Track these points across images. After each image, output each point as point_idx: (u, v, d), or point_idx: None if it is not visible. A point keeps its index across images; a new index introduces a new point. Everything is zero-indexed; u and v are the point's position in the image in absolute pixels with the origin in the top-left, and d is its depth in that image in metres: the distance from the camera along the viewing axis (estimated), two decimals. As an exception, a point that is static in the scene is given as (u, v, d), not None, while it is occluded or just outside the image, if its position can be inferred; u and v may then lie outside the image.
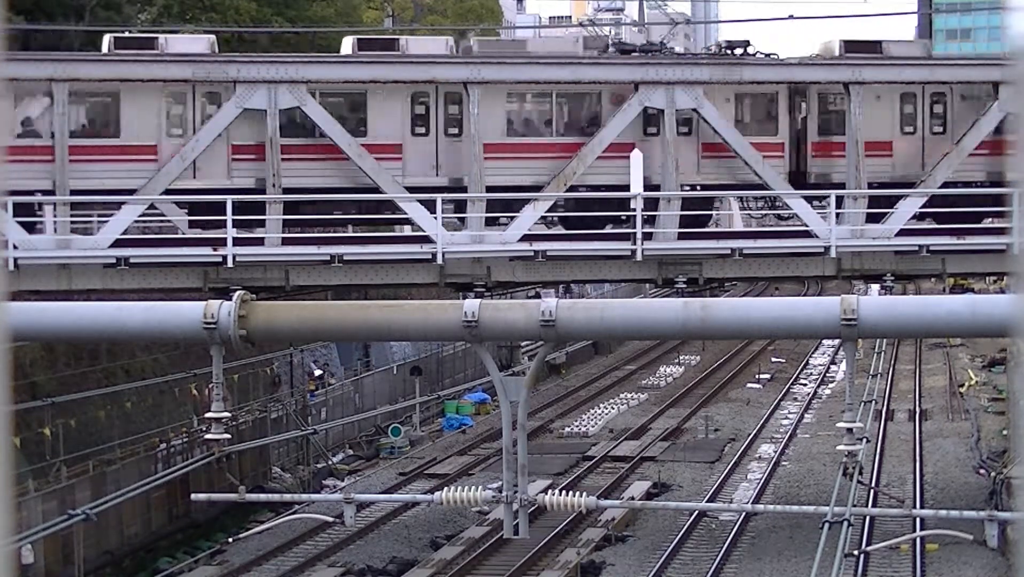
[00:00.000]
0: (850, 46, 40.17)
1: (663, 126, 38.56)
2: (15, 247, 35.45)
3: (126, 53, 37.55)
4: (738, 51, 40.17)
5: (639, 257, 38.19)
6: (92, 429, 41.66)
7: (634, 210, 38.23)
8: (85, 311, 28.64)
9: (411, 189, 37.78)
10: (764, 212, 41.06)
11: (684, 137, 38.94)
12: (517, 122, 39.66)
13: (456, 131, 38.62)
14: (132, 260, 36.66)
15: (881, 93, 39.80)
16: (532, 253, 38.19)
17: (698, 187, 39.57)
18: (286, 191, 37.33)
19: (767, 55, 40.97)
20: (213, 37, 39.28)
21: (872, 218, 38.78)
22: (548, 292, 58.17)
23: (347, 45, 39.02)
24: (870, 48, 40.11)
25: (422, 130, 38.53)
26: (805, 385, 71.24)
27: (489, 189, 37.86)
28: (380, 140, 38.24)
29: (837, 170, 39.65)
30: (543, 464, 49.34)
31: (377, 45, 39.41)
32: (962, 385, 67.44)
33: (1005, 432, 53.45)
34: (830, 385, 70.57)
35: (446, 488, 28.45)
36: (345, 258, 37.65)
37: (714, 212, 41.67)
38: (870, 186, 38.94)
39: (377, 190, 37.89)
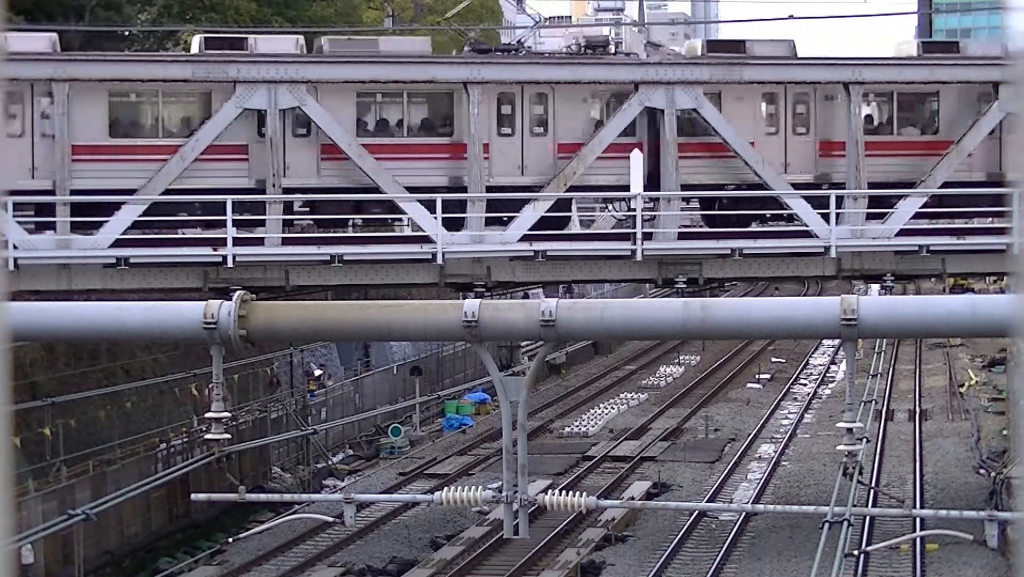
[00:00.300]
0: (712, 46, 40.14)
1: (662, 126, 38.56)
2: (15, 247, 35.46)
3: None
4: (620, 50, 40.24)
5: (639, 257, 38.19)
6: (92, 429, 41.66)
7: (633, 210, 38.27)
8: (85, 311, 28.64)
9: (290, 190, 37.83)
10: (627, 214, 40.32)
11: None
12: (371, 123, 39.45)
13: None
14: (132, 260, 36.67)
15: (744, 94, 39.51)
16: (532, 253, 38.20)
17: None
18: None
19: (627, 55, 41.09)
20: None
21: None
22: (536, 292, 58.03)
23: (195, 44, 38.57)
24: (733, 48, 40.05)
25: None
26: (805, 385, 71.24)
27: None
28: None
29: (698, 171, 38.93)
30: (543, 464, 49.34)
31: (224, 44, 38.89)
32: (962, 385, 67.45)
33: (1005, 432, 53.45)
34: (830, 385, 70.57)
35: (446, 488, 28.45)
36: (345, 258, 37.66)
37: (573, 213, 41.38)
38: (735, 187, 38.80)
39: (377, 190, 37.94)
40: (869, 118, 40.29)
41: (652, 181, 38.83)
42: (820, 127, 39.92)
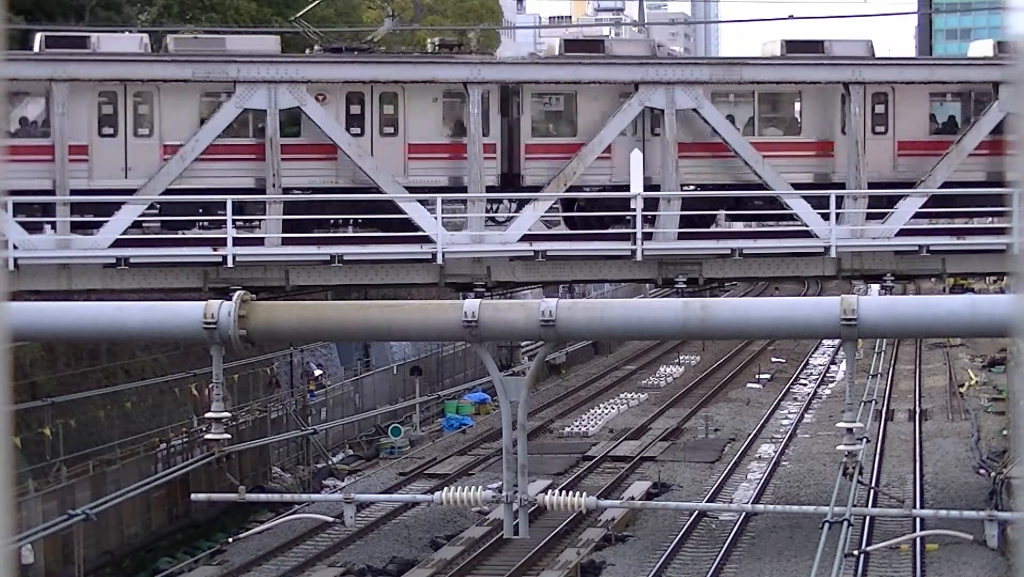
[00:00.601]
0: (569, 46, 40.12)
1: (662, 125, 38.57)
2: (15, 247, 35.46)
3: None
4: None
5: (639, 257, 38.19)
6: (92, 429, 41.67)
7: (633, 210, 38.26)
8: (85, 311, 28.64)
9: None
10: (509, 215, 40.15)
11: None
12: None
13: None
14: (132, 260, 36.67)
15: (600, 95, 39.28)
16: (532, 253, 38.20)
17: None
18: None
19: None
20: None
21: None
22: (525, 293, 57.88)
23: (37, 43, 38.27)
24: (592, 48, 40.00)
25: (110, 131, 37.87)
26: (805, 385, 71.25)
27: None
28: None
29: (554, 172, 38.57)
30: (543, 464, 49.34)
31: (65, 43, 38.22)
32: (962, 385, 67.45)
33: (1005, 432, 53.45)
34: (830, 385, 70.58)
35: (446, 488, 28.45)
36: (345, 258, 37.65)
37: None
38: (593, 189, 38.68)
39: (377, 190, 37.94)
40: (731, 118, 40.04)
41: (507, 181, 38.66)
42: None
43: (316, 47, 41.16)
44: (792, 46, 40.02)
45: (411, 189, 38.18)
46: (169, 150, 37.35)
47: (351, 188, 38.33)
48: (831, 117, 39.95)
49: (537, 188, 38.53)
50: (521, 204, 38.62)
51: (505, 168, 38.90)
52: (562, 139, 39.04)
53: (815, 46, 39.86)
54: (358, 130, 38.49)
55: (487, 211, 38.92)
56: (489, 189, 38.48)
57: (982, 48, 41.82)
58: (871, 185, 39.01)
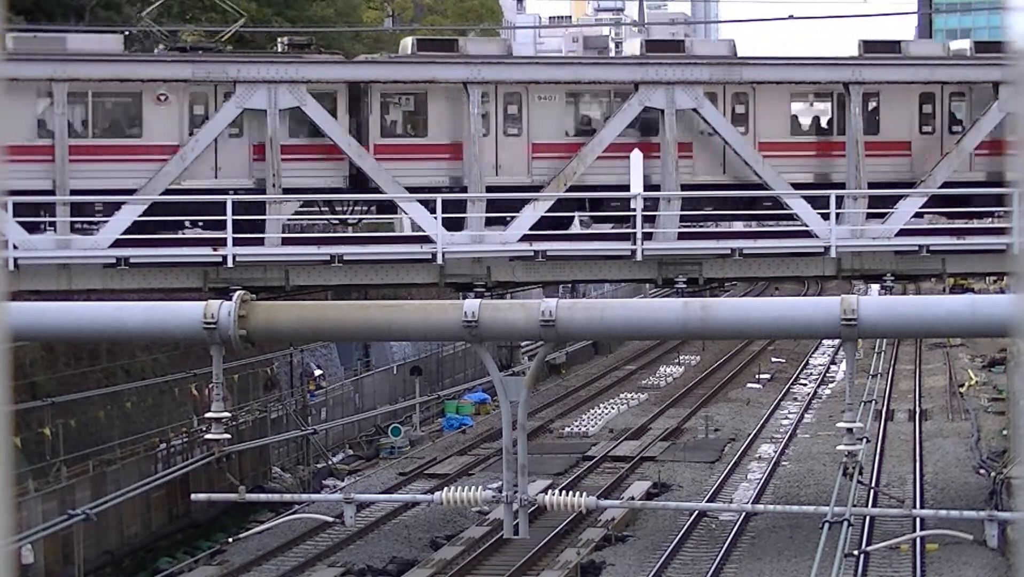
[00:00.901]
0: (422, 45, 39.90)
1: (661, 125, 38.56)
2: (15, 247, 35.45)
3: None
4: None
5: (639, 257, 38.19)
6: (92, 429, 41.66)
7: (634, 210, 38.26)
8: (85, 311, 28.64)
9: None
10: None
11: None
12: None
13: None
14: (132, 260, 36.67)
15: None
16: (532, 253, 38.20)
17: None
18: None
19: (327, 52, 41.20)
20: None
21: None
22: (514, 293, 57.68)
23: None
24: (447, 47, 39.73)
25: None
26: (805, 385, 71.24)
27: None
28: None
29: (409, 173, 38.27)
30: (543, 464, 49.33)
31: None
32: (962, 385, 67.45)
33: (1005, 432, 53.45)
34: (830, 385, 70.57)
35: (446, 488, 28.44)
36: (345, 258, 37.65)
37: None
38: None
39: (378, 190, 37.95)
40: (587, 119, 40.02)
41: (355, 183, 38.32)
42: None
43: (160, 47, 40.66)
44: (651, 45, 40.07)
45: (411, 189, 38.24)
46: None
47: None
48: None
49: (381, 189, 37.88)
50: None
51: (353, 170, 38.32)
52: (412, 140, 38.56)
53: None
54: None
55: (332, 212, 38.54)
56: (335, 191, 38.16)
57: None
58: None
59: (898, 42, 40.30)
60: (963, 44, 41.62)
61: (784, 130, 39.92)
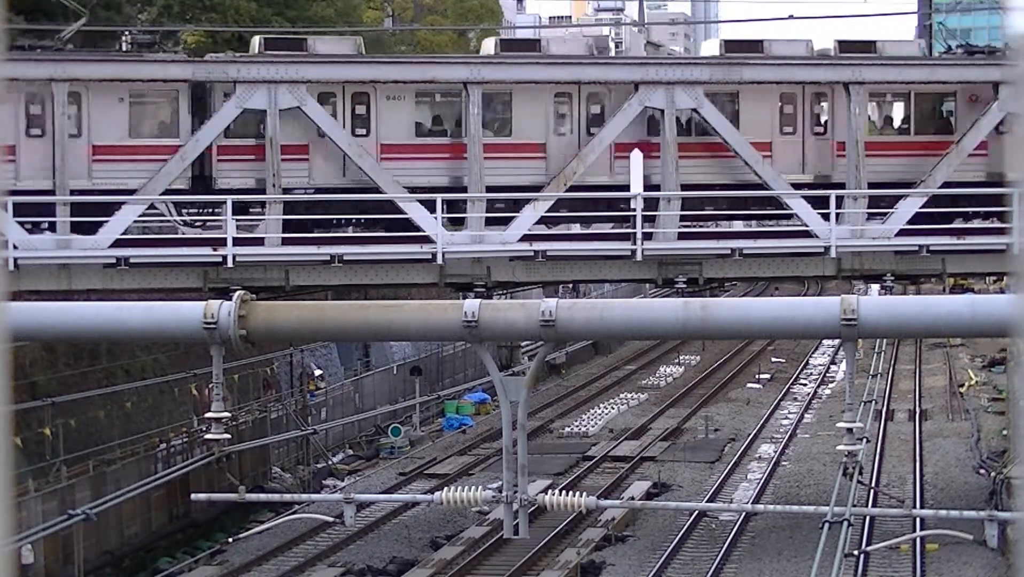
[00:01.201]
0: (268, 43, 39.66)
1: (662, 126, 38.55)
2: (15, 247, 35.45)
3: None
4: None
5: (639, 257, 38.18)
6: (92, 429, 41.66)
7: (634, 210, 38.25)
8: (85, 311, 28.66)
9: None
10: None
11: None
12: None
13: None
14: (132, 260, 36.67)
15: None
16: (532, 253, 38.19)
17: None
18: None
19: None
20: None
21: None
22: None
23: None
24: (295, 46, 39.52)
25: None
26: (805, 385, 71.24)
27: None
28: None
29: (247, 175, 37.83)
30: (543, 464, 49.34)
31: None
32: (962, 385, 67.45)
33: (1005, 432, 53.45)
34: (830, 385, 70.57)
35: (446, 488, 28.45)
36: (345, 258, 37.64)
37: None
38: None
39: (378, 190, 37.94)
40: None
41: (198, 184, 37.83)
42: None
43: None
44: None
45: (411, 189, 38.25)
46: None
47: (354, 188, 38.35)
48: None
49: (229, 192, 37.38)
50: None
51: (196, 171, 37.88)
52: (255, 140, 38.13)
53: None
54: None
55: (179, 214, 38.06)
56: (178, 193, 37.40)
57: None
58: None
59: (760, 41, 40.40)
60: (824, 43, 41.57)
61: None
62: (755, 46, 39.72)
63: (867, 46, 40.30)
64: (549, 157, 38.89)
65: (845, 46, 40.06)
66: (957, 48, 41.98)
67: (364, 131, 38.47)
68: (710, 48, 41.93)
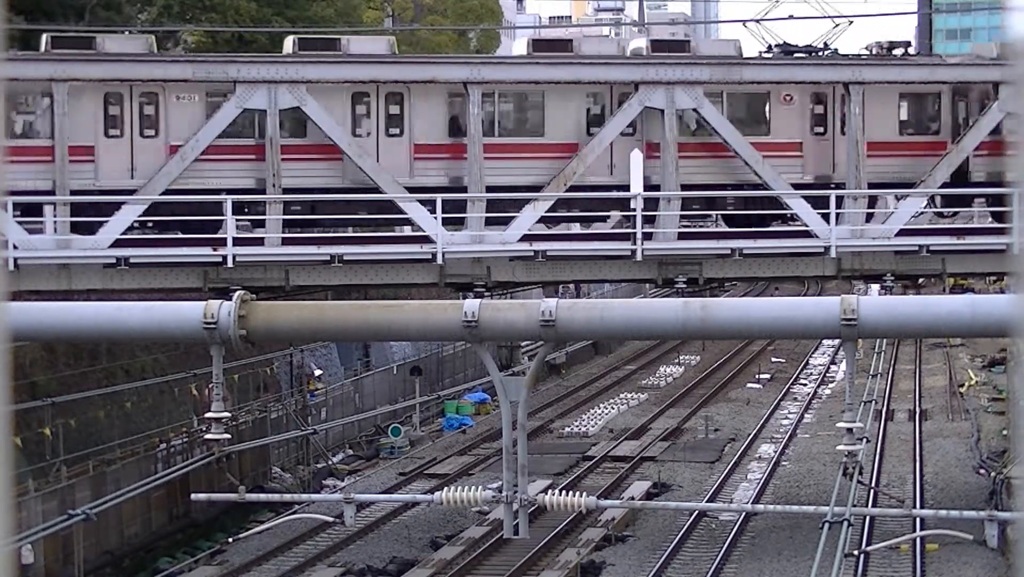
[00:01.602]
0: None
1: (662, 125, 38.55)
2: (15, 247, 35.45)
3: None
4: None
5: (639, 257, 38.19)
6: (92, 429, 41.66)
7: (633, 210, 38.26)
8: (85, 311, 28.66)
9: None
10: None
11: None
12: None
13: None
14: (132, 260, 36.67)
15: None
16: (532, 253, 38.19)
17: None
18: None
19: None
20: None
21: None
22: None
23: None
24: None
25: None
26: (805, 385, 71.25)
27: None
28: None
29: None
30: (543, 464, 49.34)
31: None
32: (962, 385, 67.45)
33: (1005, 432, 53.45)
34: (830, 385, 70.57)
35: (446, 488, 28.46)
36: (345, 258, 37.65)
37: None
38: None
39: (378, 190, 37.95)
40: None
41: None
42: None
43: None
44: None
45: (415, 189, 38.20)
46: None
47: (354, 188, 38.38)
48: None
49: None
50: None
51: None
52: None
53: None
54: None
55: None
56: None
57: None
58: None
59: (570, 40, 40.45)
60: (641, 43, 41.47)
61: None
62: (564, 45, 39.70)
63: (680, 45, 40.48)
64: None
65: (658, 46, 40.16)
66: (775, 47, 41.81)
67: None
68: (518, 48, 41.97)
